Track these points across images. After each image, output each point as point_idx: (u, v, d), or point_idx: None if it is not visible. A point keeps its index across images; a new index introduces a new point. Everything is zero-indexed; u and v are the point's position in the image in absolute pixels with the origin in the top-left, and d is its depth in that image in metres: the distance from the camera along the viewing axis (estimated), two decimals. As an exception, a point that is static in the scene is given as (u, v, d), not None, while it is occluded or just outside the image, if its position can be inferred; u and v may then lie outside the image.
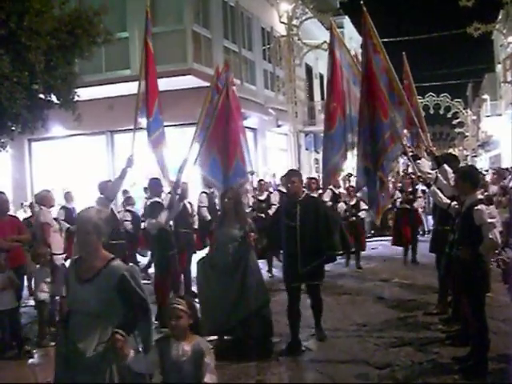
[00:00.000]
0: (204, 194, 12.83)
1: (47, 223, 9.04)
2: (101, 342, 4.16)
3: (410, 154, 8.16)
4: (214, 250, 8.42)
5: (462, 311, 7.31)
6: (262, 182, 14.59)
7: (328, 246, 7.58)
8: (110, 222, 8.55)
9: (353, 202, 13.92)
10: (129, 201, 14.10)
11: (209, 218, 12.44)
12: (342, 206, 14.00)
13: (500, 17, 28.11)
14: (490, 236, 6.10)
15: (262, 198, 13.70)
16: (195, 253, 11.45)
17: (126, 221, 13.04)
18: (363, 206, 13.15)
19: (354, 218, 13.83)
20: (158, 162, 9.10)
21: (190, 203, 11.75)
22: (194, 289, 11.27)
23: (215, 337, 7.82)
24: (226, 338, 7.97)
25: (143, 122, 9.19)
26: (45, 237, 8.85)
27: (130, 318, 4.22)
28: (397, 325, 8.54)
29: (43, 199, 9.39)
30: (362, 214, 13.93)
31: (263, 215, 13.24)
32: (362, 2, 8.23)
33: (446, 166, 7.64)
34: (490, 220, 6.18)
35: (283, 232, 7.55)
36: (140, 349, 4.41)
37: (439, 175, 7.67)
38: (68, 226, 10.66)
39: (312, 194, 14.26)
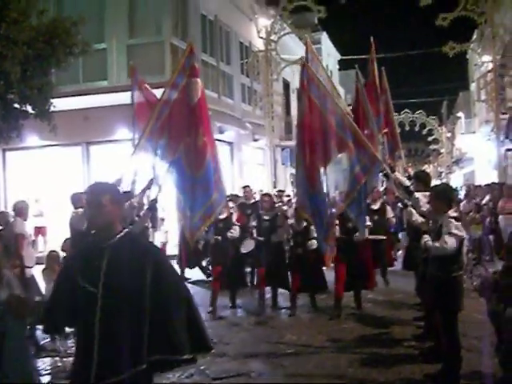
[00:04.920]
0: None
1: (22, 234, 8.91)
2: None
3: (386, 169, 8.14)
4: None
5: (434, 328, 7.35)
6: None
7: (160, 343, 3.67)
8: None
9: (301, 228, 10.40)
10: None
11: None
12: (282, 232, 10.58)
13: (475, 36, 28.52)
14: (446, 239, 6.22)
15: (222, 216, 10.50)
16: None
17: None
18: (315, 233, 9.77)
19: (299, 250, 10.36)
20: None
21: None
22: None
23: None
24: None
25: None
26: (18, 248, 8.72)
27: None
28: (370, 341, 8.53)
29: (21, 210, 9.27)
30: (312, 244, 10.15)
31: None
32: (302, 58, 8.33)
33: (416, 195, 7.64)
34: (455, 231, 6.25)
35: (76, 302, 3.80)
36: None
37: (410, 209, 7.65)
38: None
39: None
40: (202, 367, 7.38)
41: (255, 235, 10.92)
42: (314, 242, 9.91)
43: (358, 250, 10.06)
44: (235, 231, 10.72)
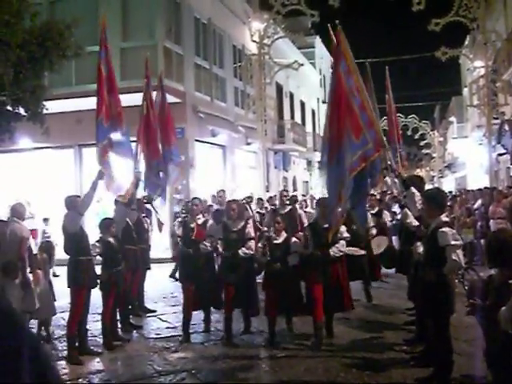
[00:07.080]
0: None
1: (25, 237, 8.83)
2: None
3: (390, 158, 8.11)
4: None
5: (426, 331, 7.37)
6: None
7: None
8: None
9: (281, 240, 8.83)
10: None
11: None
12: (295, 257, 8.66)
13: (467, 42, 28.69)
14: (454, 257, 6.20)
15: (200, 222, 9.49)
16: (149, 269, 11.62)
17: None
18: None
19: (278, 266, 8.63)
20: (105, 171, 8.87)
21: (146, 218, 11.67)
22: (148, 305, 11.30)
23: None
24: None
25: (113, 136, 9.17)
26: (21, 251, 8.62)
27: None
28: (361, 345, 8.54)
29: (20, 213, 9.24)
30: (293, 259, 8.70)
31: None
32: (338, 22, 8.33)
33: (413, 189, 7.65)
34: (453, 242, 6.28)
35: None
36: None
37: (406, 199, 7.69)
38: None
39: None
40: (193, 371, 7.38)
41: (220, 249, 9.05)
42: (295, 256, 8.67)
43: (333, 266, 8.61)
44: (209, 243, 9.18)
